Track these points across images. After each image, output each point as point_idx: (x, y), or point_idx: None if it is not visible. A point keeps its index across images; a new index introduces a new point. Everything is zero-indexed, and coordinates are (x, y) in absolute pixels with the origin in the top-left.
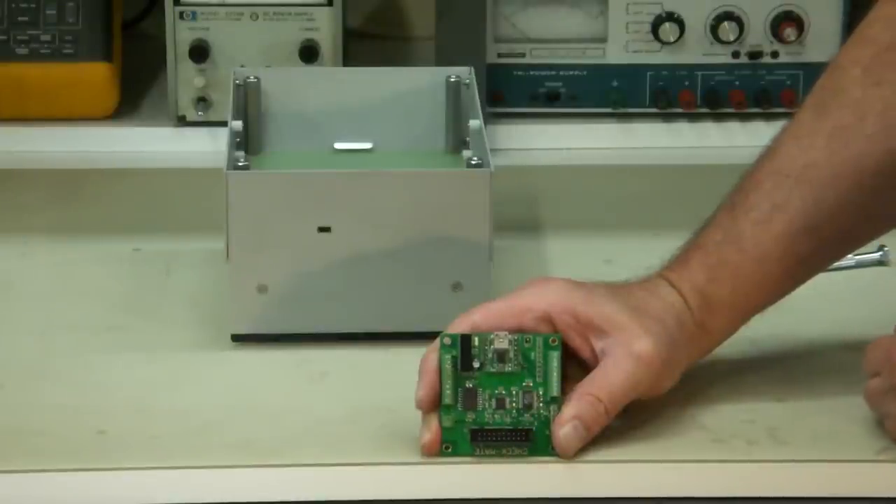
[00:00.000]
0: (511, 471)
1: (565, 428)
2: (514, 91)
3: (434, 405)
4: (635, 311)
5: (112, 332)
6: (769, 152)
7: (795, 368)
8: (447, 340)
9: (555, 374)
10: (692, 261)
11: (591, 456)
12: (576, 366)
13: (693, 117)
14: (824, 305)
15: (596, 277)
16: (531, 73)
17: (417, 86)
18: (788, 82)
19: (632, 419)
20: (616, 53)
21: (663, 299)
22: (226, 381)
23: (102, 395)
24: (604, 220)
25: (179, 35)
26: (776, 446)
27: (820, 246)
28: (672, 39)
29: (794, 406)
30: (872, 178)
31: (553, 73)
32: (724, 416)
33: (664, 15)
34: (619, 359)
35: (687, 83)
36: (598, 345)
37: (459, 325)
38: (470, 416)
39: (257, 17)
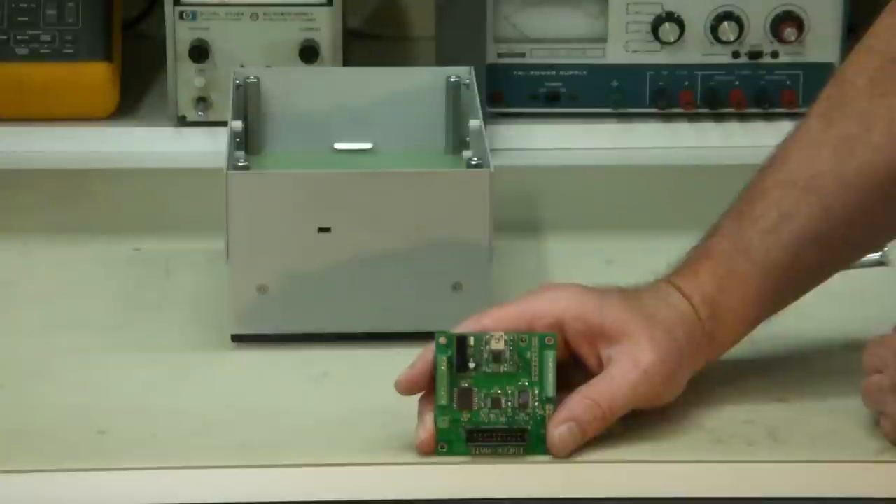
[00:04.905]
0: (510, 471)
1: (560, 428)
2: (514, 91)
3: (413, 391)
4: (647, 320)
5: (112, 332)
6: (776, 161)
7: (795, 369)
8: (443, 340)
9: (550, 373)
10: (701, 270)
11: (590, 456)
12: (581, 374)
13: (693, 117)
14: (824, 305)
15: (596, 278)
16: (531, 73)
17: (417, 86)
18: (788, 82)
19: (631, 419)
20: (616, 53)
21: (675, 308)
22: (226, 381)
23: (102, 395)
24: (604, 220)
25: (179, 35)
26: (776, 446)
27: (827, 254)
28: (672, 39)
29: (794, 406)
30: (879, 187)
31: (553, 73)
32: (724, 417)
33: (664, 15)
34: (623, 368)
35: (687, 83)
36: (606, 352)
37: (469, 328)
38: (465, 416)
39: (257, 17)
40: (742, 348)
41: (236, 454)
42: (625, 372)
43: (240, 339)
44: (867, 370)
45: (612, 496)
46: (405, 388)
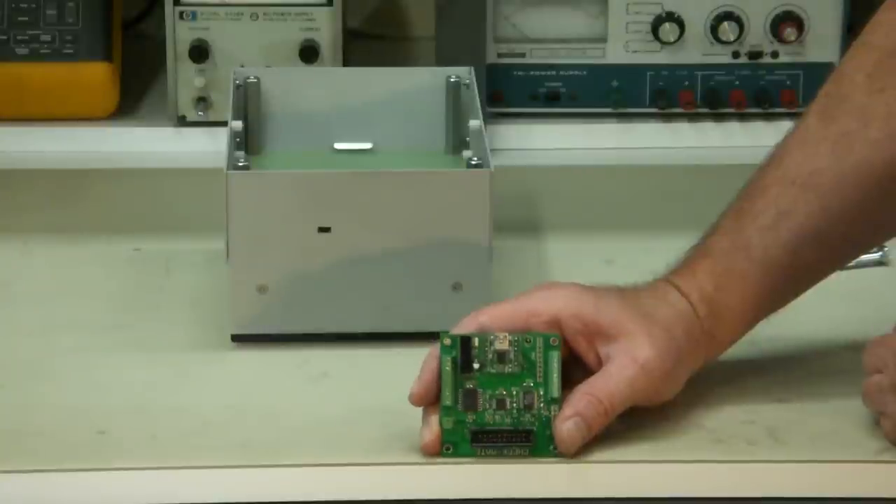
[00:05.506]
0: (512, 471)
1: (567, 423)
2: (514, 91)
3: (426, 402)
4: (644, 318)
5: (112, 332)
6: (774, 159)
7: (795, 369)
8: (447, 341)
9: (555, 374)
10: (699, 268)
11: (592, 456)
12: (581, 371)
13: (693, 117)
14: (824, 305)
15: (596, 278)
16: (531, 73)
17: (417, 86)
18: (788, 82)
19: (632, 420)
20: (616, 53)
21: (673, 307)
22: (226, 381)
23: (102, 395)
24: (604, 220)
25: (179, 35)
26: (776, 446)
27: (826, 252)
28: (672, 39)
29: (794, 406)
30: (877, 184)
31: (553, 73)
32: (724, 417)
33: (664, 15)
34: (622, 365)
35: (687, 83)
36: (604, 350)
37: (467, 326)
38: (470, 417)
39: (257, 17)
40: (742, 348)
41: (236, 454)
42: (622, 368)
43: (240, 339)
44: (867, 370)
45: (614, 496)
46: (419, 400)
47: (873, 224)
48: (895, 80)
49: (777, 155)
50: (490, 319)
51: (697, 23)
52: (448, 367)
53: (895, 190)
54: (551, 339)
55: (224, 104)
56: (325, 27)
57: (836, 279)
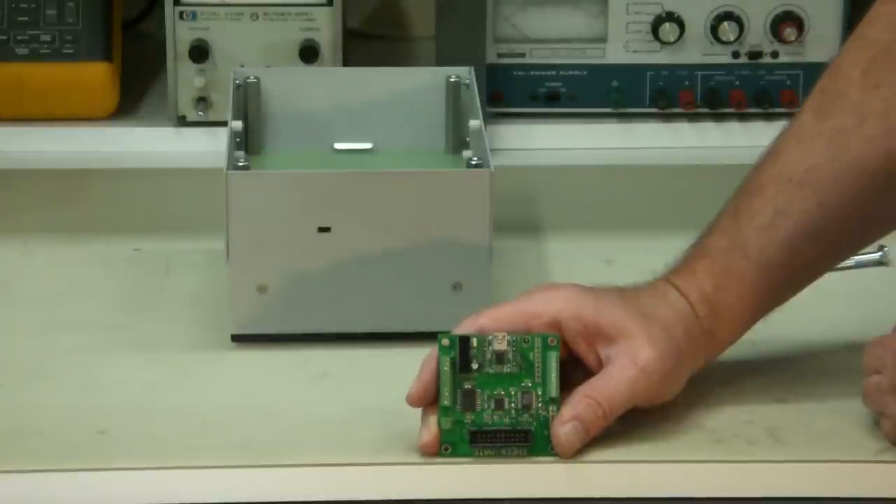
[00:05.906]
0: (511, 471)
1: (565, 427)
2: (514, 91)
3: (424, 402)
4: (644, 318)
5: (112, 332)
6: (771, 156)
7: (795, 369)
8: (445, 342)
9: (553, 374)
10: (698, 268)
11: (592, 456)
12: (581, 372)
13: (693, 117)
14: (824, 305)
15: (596, 278)
16: (531, 73)
17: (417, 86)
18: (788, 82)
19: (632, 420)
20: (616, 53)
21: (673, 307)
22: (226, 381)
23: (102, 395)
24: (604, 220)
25: (179, 35)
26: (776, 446)
27: (824, 249)
28: (672, 39)
29: (794, 406)
30: (874, 180)
31: (553, 73)
32: (724, 417)
33: (664, 15)
34: (622, 366)
35: (687, 83)
36: (604, 351)
37: (466, 328)
38: (469, 418)
39: (257, 17)
40: (741, 348)
41: (236, 454)
42: (623, 370)
43: (240, 339)
44: (866, 371)
45: (614, 496)
46: (417, 401)
47: (869, 220)
48: (890, 76)
49: (773, 152)
50: (490, 322)
51: (697, 23)
52: (446, 368)
53: (891, 186)
54: (549, 340)
55: (224, 104)
56: (325, 27)
57: (836, 279)
